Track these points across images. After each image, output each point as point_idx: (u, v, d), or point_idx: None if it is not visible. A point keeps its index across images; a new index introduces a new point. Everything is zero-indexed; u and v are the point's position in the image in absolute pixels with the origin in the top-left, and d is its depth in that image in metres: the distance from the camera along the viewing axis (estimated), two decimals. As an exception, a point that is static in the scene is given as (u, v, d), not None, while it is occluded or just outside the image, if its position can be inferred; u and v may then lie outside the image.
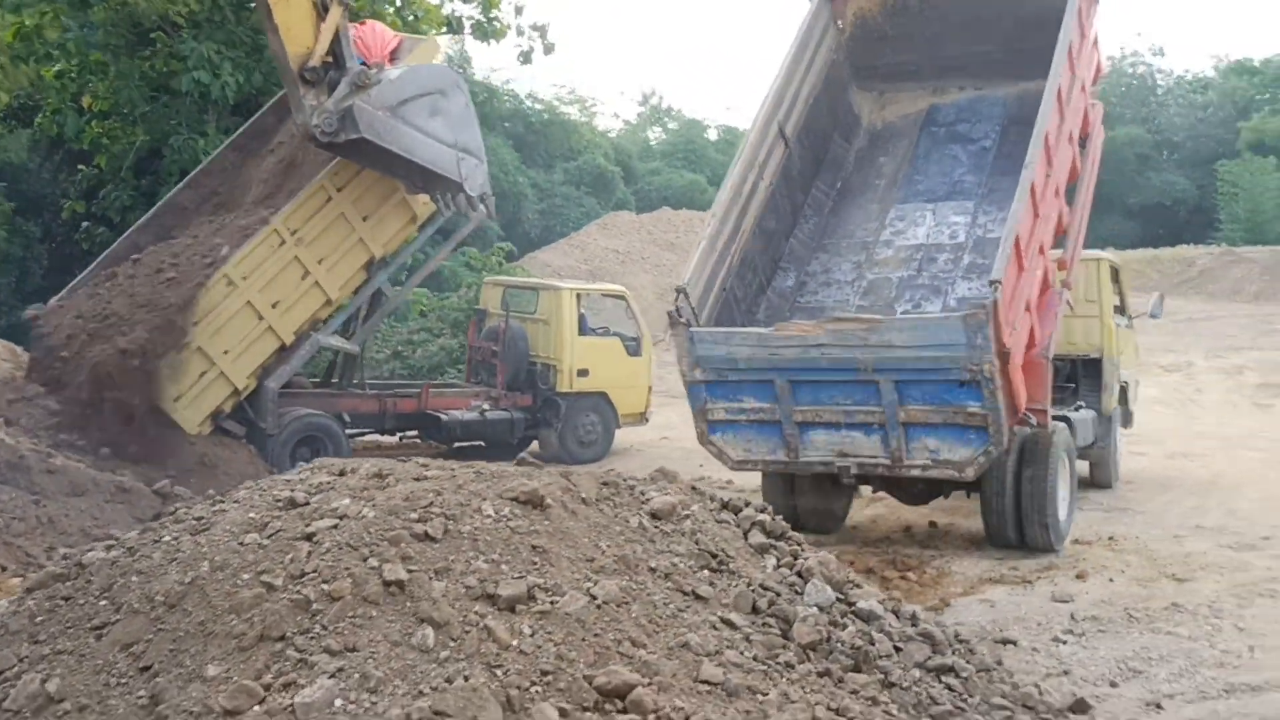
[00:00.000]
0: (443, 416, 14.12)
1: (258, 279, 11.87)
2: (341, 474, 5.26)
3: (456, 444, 14.46)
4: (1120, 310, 12.92)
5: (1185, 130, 57.78)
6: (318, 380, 14.52)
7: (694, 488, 6.10)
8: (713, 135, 53.53)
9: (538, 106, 43.01)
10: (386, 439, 15.09)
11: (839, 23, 11.83)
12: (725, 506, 6.05)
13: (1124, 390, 12.90)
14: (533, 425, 15.18)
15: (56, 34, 16.19)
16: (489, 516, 4.75)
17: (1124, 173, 54.79)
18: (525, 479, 5.08)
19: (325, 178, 12.10)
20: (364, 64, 11.33)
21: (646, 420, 16.05)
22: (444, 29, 24.18)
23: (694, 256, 9.47)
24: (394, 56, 12.13)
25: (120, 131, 17.50)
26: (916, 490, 9.67)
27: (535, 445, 15.35)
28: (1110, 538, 9.43)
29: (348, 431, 13.63)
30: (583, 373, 15.09)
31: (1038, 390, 9.22)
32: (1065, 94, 9.87)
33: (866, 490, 10.40)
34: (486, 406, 14.59)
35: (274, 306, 12.09)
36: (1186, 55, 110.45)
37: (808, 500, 9.84)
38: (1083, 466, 12.46)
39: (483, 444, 15.02)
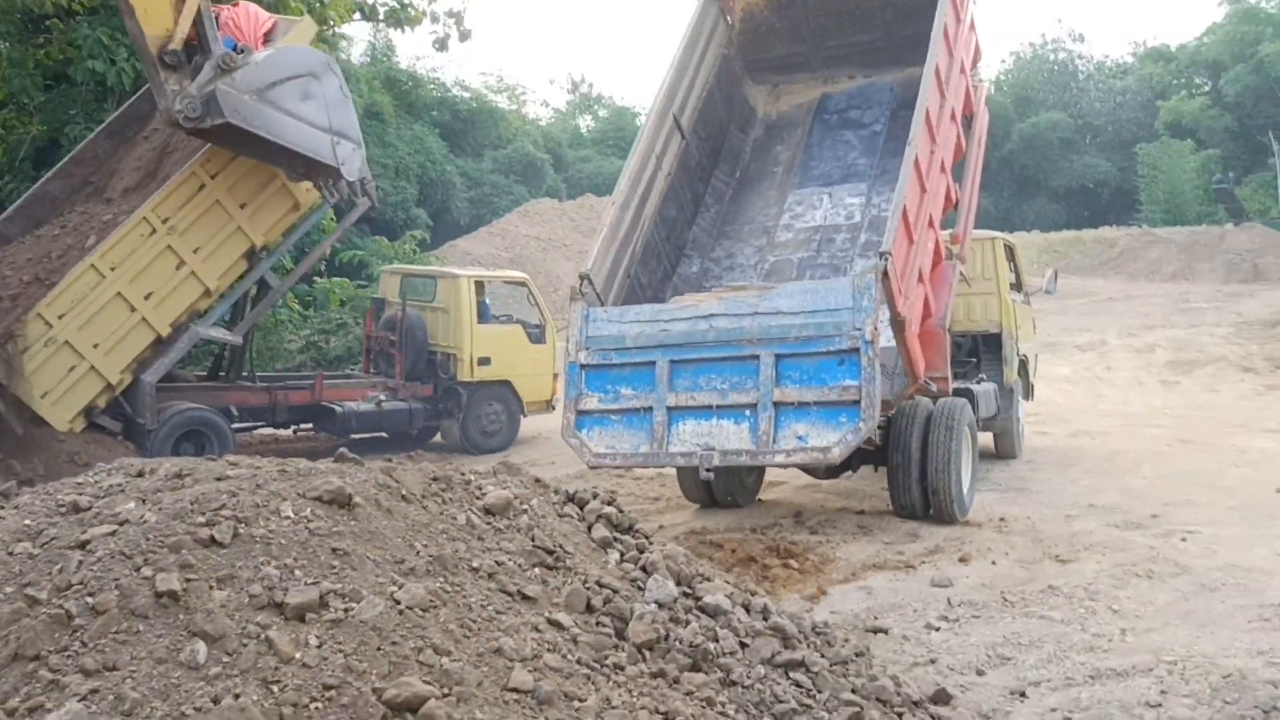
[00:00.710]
0: (337, 408, 13.67)
1: (128, 269, 11.35)
2: (139, 475, 4.87)
3: (353, 436, 14.02)
4: (1016, 287, 13.18)
5: (1106, 115, 58.64)
6: (203, 374, 13.96)
7: (537, 480, 5.79)
8: (642, 122, 53.67)
9: (465, 95, 42.57)
10: (283, 432, 14.61)
11: (728, 18, 12.03)
12: (570, 500, 5.76)
13: (1024, 364, 13.42)
14: (434, 416, 14.80)
15: None
16: (287, 518, 4.39)
17: (1048, 156, 55.56)
18: (335, 476, 4.72)
19: (197, 164, 11.60)
20: (234, 47, 10.85)
21: (553, 408, 15.70)
22: (354, 16, 23.62)
23: (595, 244, 9.57)
24: (268, 38, 11.63)
25: (16, 122, 16.82)
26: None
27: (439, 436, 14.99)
28: (1001, 519, 9.29)
29: (236, 425, 13.16)
30: (484, 361, 14.72)
31: (936, 358, 9.49)
32: (944, 75, 10.07)
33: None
34: (383, 397, 14.18)
35: (147, 298, 11.58)
36: (1106, 41, 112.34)
37: (719, 477, 9.66)
38: (987, 439, 12.58)
39: (384, 435, 14.63)
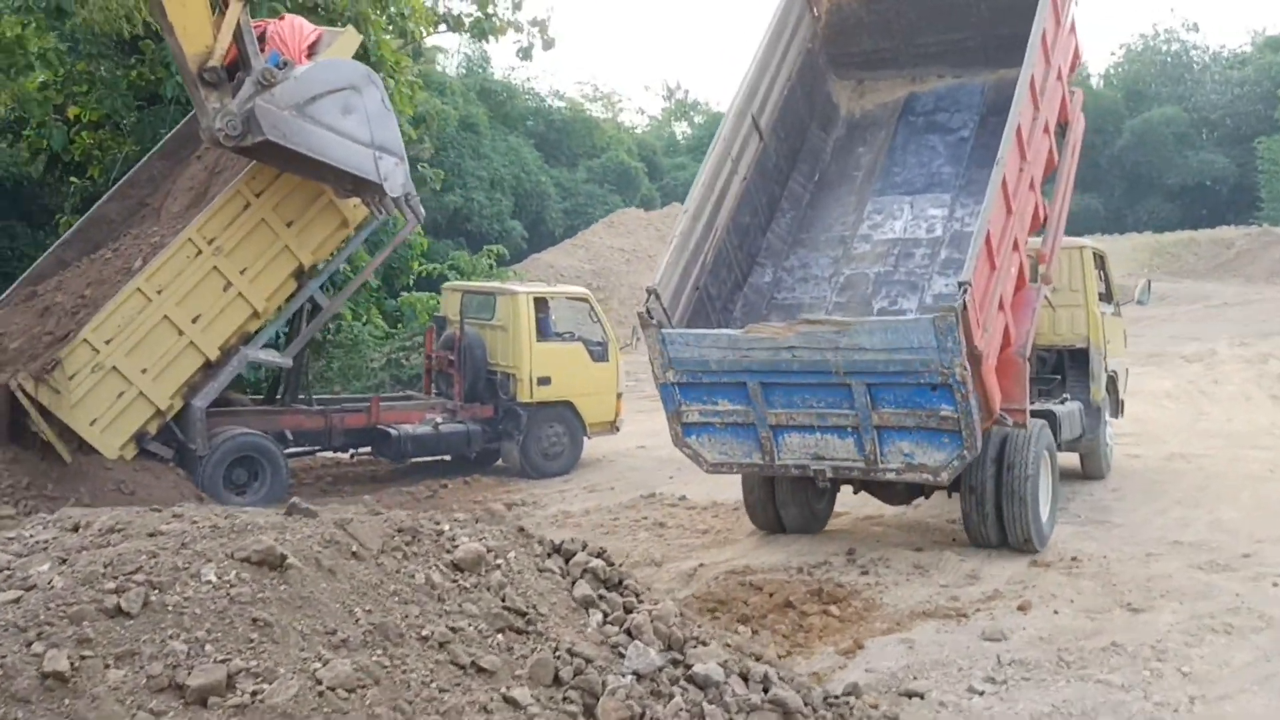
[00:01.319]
0: (392, 431, 13.43)
1: (174, 292, 11.21)
2: (75, 528, 4.54)
3: (411, 460, 13.77)
4: (1106, 298, 12.34)
5: (1223, 107, 56.00)
6: (259, 397, 13.86)
7: (521, 529, 5.32)
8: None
9: (559, 105, 42.62)
10: (341, 456, 14.45)
11: (814, 10, 11.40)
12: (556, 551, 5.27)
13: (1112, 380, 12.60)
14: (494, 438, 14.46)
15: (41, 44, 15.75)
16: (208, 583, 4.00)
17: (1161, 153, 53.19)
18: (271, 533, 4.32)
19: (241, 183, 11.41)
20: (279, 62, 10.66)
21: (617, 429, 15.26)
22: (438, 28, 23.59)
23: (665, 256, 9.24)
24: (313, 51, 11.43)
25: (111, 142, 17.06)
26: (896, 491, 9.60)
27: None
28: (1073, 558, 8.50)
29: (291, 450, 13.01)
30: (544, 381, 14.32)
31: (1014, 389, 8.84)
32: (1039, 85, 9.51)
33: None
34: (440, 419, 13.88)
35: (194, 321, 11.43)
36: (1222, 30, 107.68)
37: (789, 503, 9.76)
38: (1073, 459, 11.78)
39: (447, 458, 14.35)
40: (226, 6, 10.20)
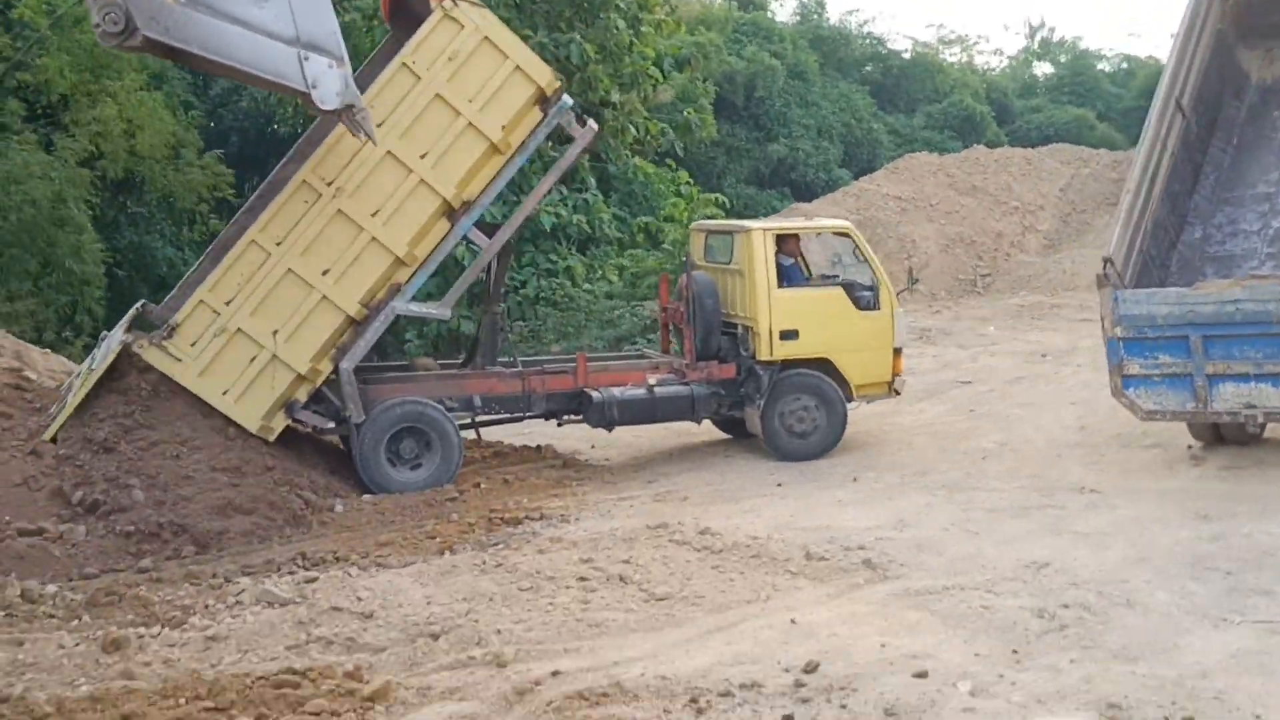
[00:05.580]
0: (595, 395, 11.18)
1: (295, 242, 9.69)
2: None
3: (617, 427, 11.44)
4: None
5: None
6: (446, 360, 12.15)
7: None
8: (1106, 67, 47.85)
9: (900, 49, 40.14)
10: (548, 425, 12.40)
11: None
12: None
13: None
14: (734, 403, 11.76)
15: None
16: None
17: None
18: None
19: (356, 113, 9.66)
20: None
21: (897, 392, 11.92)
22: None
23: (1115, 229, 10.35)
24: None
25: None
26: None
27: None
28: None
29: (483, 419, 11.22)
30: (789, 334, 11.35)
31: None
32: None
33: None
34: (654, 381, 11.42)
35: (324, 274, 9.85)
36: None
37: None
38: None
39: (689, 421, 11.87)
40: None
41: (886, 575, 7.23)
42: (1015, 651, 5.81)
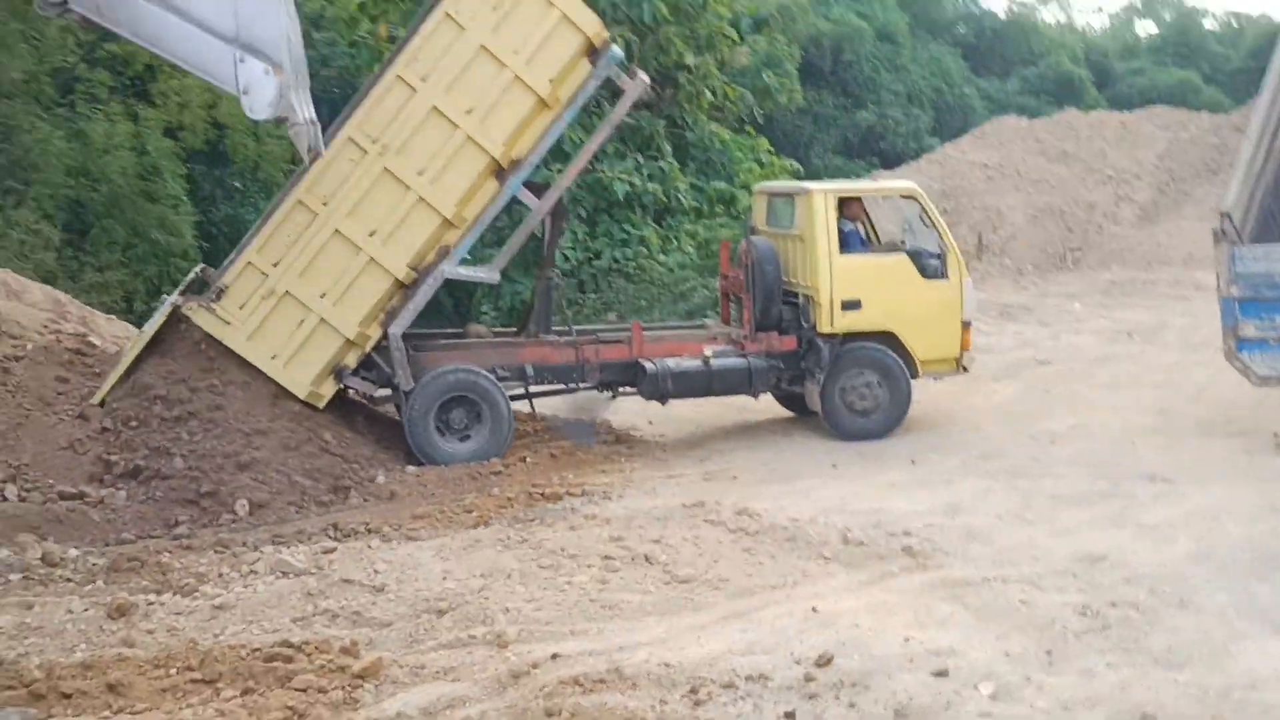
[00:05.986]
0: (648, 366, 10.91)
1: (342, 202, 9.57)
2: None
3: (671, 399, 11.14)
4: None
5: None
6: (499, 329, 11.97)
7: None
8: (1213, 25, 45.22)
9: (994, 9, 38.50)
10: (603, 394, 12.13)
11: None
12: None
13: None
14: (796, 378, 11.38)
15: None
16: None
17: None
18: None
19: (401, 65, 9.48)
20: None
21: (965, 369, 11.40)
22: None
23: (1234, 182, 10.05)
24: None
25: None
26: None
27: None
28: None
29: (536, 390, 11.03)
30: (851, 304, 10.91)
31: None
32: None
33: None
34: (709, 353, 11.09)
35: (372, 235, 9.73)
36: None
37: None
38: None
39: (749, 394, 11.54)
40: None
41: (926, 564, 6.85)
42: (1049, 652, 5.42)
